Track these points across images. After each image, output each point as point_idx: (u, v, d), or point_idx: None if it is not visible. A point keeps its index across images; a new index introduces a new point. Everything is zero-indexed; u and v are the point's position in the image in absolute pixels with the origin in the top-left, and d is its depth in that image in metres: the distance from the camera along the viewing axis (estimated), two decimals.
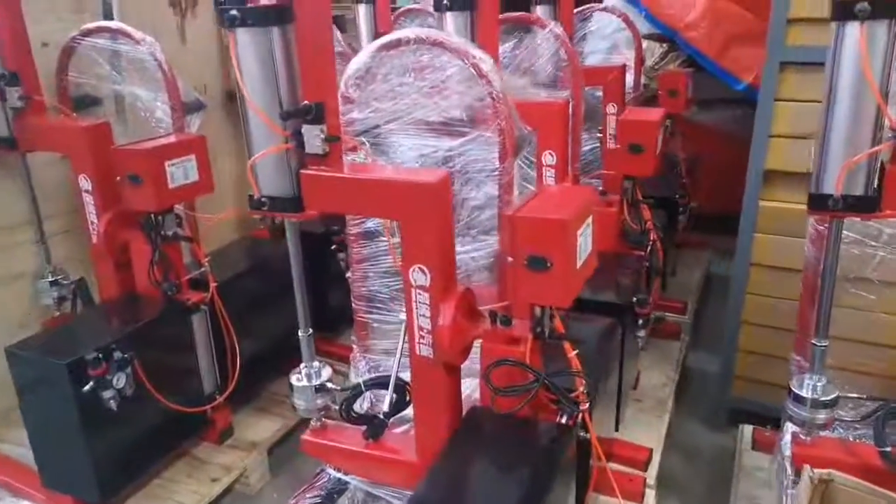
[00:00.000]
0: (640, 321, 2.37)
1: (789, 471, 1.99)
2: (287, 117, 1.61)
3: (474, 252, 2.09)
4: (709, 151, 4.67)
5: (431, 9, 5.00)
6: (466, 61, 1.83)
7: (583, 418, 1.67)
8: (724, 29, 4.29)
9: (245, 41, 1.59)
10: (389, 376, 1.92)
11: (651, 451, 2.45)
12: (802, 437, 1.95)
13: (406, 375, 1.88)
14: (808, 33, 2.30)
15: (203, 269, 2.43)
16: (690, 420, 2.98)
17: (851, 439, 2.04)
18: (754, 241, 2.58)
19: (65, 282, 2.76)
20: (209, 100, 3.11)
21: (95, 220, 2.42)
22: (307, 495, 2.14)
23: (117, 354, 2.03)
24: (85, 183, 2.37)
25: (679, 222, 3.41)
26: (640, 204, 2.68)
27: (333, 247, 3.08)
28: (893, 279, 2.11)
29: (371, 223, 2.18)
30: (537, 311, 1.61)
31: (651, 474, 2.39)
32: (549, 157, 2.56)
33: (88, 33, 2.60)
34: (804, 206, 2.39)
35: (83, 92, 2.80)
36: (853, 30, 1.56)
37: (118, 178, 2.20)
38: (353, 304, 2.33)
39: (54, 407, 2.03)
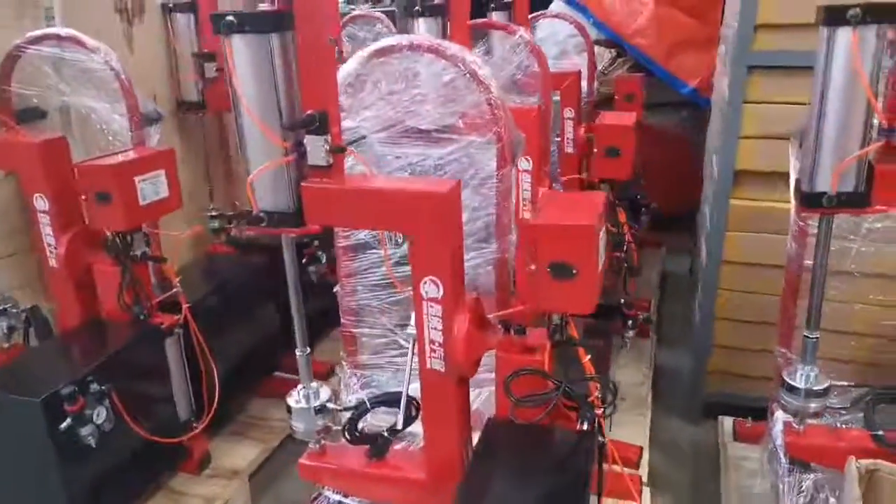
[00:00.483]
0: (630, 322, 2.40)
1: (783, 460, 2.05)
2: (292, 128, 1.53)
3: (471, 261, 2.06)
4: (658, 153, 4.79)
5: (376, 14, 4.97)
6: (463, 67, 1.80)
7: (599, 423, 1.67)
8: (669, 35, 4.43)
9: (242, 49, 1.50)
10: (394, 393, 1.86)
11: (641, 449, 2.47)
12: (795, 425, 2.01)
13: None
14: (775, 39, 2.39)
15: (175, 289, 2.29)
16: (667, 416, 3.03)
17: (838, 426, 2.11)
18: (725, 239, 2.66)
19: (14, 310, 2.54)
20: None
21: (53, 242, 2.24)
22: None
23: (94, 387, 1.88)
24: (41, 203, 2.19)
25: (643, 223, 3.49)
26: (616, 206, 2.72)
27: (304, 260, 2.97)
28: (870, 270, 2.20)
29: (362, 235, 2.12)
30: (555, 318, 1.59)
31: (643, 472, 2.41)
32: (524, 163, 2.56)
33: (35, 41, 2.42)
34: (775, 204, 2.53)
35: (27, 104, 2.60)
36: (844, 34, 1.61)
37: (83, 196, 2.05)
38: (341, 319, 2.25)
39: (25, 449, 1.86)
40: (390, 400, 1.85)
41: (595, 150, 2.51)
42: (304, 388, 1.88)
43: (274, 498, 2.62)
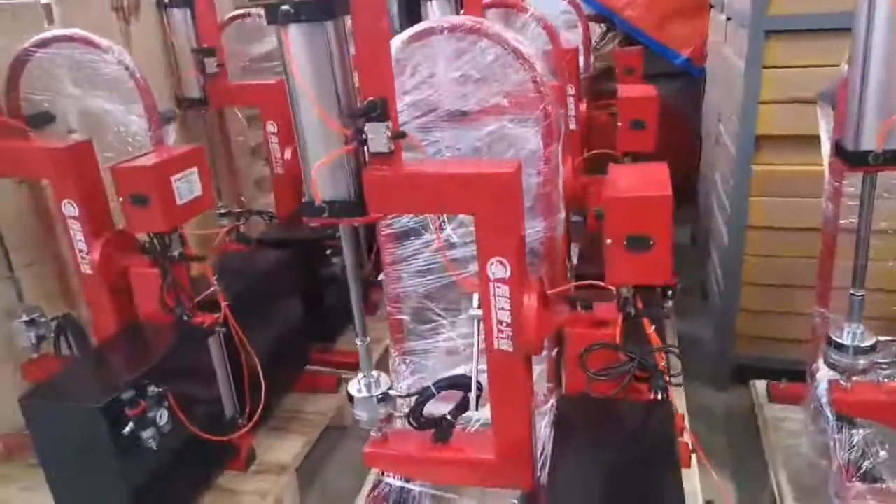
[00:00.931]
0: (670, 292, 2.42)
1: (831, 417, 2.10)
2: (356, 116, 1.51)
3: None
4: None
5: None
6: (507, 47, 1.79)
7: (667, 394, 1.69)
8: (659, 5, 4.46)
9: (298, 38, 1.47)
10: (457, 377, 1.86)
11: (684, 416, 2.51)
12: (843, 383, 2.06)
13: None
14: (791, 3, 2.41)
15: (213, 288, 2.25)
16: (694, 383, 3.08)
17: (881, 381, 2.16)
18: (750, 204, 2.70)
19: (42, 319, 2.50)
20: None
21: (84, 248, 2.19)
22: None
23: (152, 389, 1.86)
24: (70, 209, 2.14)
25: None
26: None
27: (328, 252, 2.95)
28: None
29: (405, 221, 2.10)
30: (624, 291, 1.61)
31: (687, 439, 2.45)
32: None
33: (44, 43, 2.35)
34: (798, 168, 2.57)
35: (37, 109, 2.53)
36: None
37: (119, 199, 2.00)
38: (387, 307, 2.25)
39: (86, 456, 1.83)
40: (454, 383, 1.85)
41: (620, 123, 2.51)
42: (364, 376, 1.87)
43: (320, 489, 2.62)
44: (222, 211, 3.47)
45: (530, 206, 2.02)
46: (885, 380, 2.15)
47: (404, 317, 2.24)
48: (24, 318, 2.46)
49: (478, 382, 1.86)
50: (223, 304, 2.26)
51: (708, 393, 3.02)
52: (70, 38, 2.31)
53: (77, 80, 2.48)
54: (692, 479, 2.14)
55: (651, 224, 1.41)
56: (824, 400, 2.13)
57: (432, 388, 1.85)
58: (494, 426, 1.82)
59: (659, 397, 1.63)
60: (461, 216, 2.09)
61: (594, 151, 2.71)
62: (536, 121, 1.84)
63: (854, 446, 2.03)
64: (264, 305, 2.63)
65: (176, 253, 2.17)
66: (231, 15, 3.51)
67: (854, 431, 2.05)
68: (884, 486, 1.97)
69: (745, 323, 2.89)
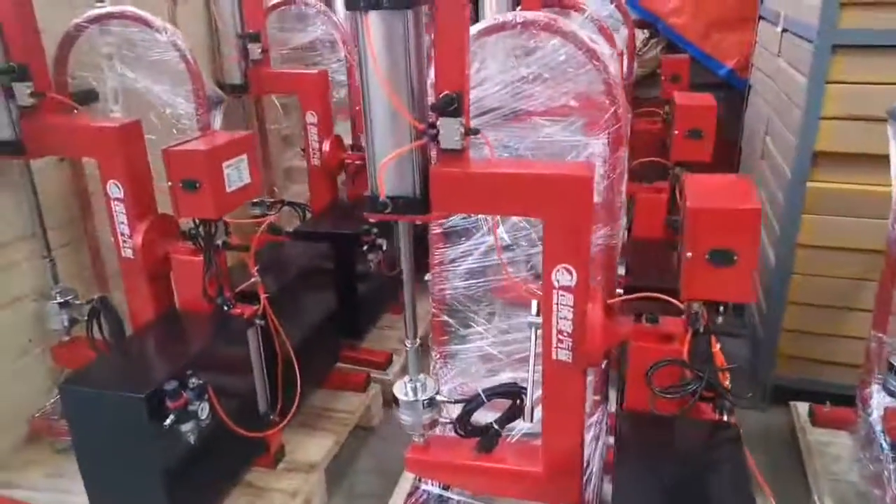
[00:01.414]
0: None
1: (886, 446, 2.02)
2: (436, 111, 1.45)
3: None
4: None
5: None
6: (581, 46, 1.73)
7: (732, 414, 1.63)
8: (706, 14, 4.38)
9: (377, 26, 1.42)
10: (506, 385, 1.81)
11: None
12: None
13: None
14: (863, 17, 2.34)
15: (254, 279, 2.20)
16: None
17: None
18: (802, 222, 2.63)
19: (76, 302, 2.45)
20: None
21: (127, 232, 2.14)
22: None
23: (193, 381, 1.80)
24: (115, 190, 2.09)
25: None
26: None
27: (364, 247, 2.89)
28: None
29: (455, 220, 2.05)
30: (695, 306, 1.54)
31: None
32: None
33: (96, 20, 2.31)
34: (856, 187, 2.50)
35: (83, 86, 2.49)
36: None
37: (168, 183, 1.95)
38: (431, 308, 2.19)
39: (123, 446, 1.78)
40: (503, 392, 1.79)
41: (675, 131, 2.45)
42: (412, 380, 1.81)
43: (347, 490, 2.56)
44: (255, 200, 3.42)
45: None
46: None
47: (449, 319, 2.18)
48: (59, 299, 2.41)
49: (526, 390, 1.81)
50: (262, 296, 2.21)
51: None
52: (123, 16, 2.26)
53: (126, 58, 2.44)
54: None
55: (737, 238, 1.35)
56: (879, 427, 2.06)
57: (482, 396, 1.79)
58: (545, 438, 1.76)
59: (724, 418, 1.57)
60: (514, 218, 2.04)
61: (642, 159, 2.65)
62: (605, 124, 1.77)
63: None
64: (299, 299, 2.57)
65: (220, 241, 2.12)
66: (274, 2, 3.46)
67: None
68: None
69: (786, 343, 2.81)
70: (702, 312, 1.55)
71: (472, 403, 1.79)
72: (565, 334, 1.61)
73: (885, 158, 2.08)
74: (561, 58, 1.77)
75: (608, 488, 1.84)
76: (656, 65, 4.35)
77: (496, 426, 1.84)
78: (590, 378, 2.06)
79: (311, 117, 3.20)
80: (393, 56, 1.44)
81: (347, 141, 3.40)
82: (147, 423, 1.72)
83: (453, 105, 1.45)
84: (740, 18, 4.26)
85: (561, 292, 1.57)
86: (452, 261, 2.09)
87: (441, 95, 1.46)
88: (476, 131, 1.51)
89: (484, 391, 1.79)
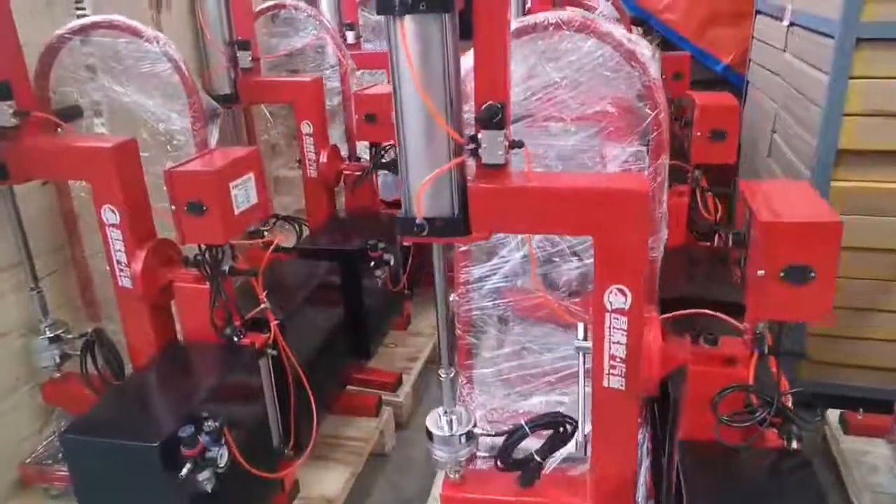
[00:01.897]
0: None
1: None
2: (479, 123, 1.32)
3: None
4: None
5: None
6: (619, 48, 1.61)
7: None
8: (700, 10, 4.30)
9: (414, 32, 1.28)
10: (552, 415, 1.68)
11: None
12: None
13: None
14: (887, 9, 2.26)
15: (263, 305, 2.05)
16: None
17: None
18: None
19: (68, 336, 2.27)
20: None
21: (124, 259, 1.97)
22: None
23: (209, 424, 1.64)
24: (111, 215, 1.92)
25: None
26: (708, 193, 2.57)
27: (372, 263, 2.75)
28: None
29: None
30: (761, 326, 1.43)
31: None
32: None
33: (81, 30, 2.13)
34: (884, 185, 2.42)
35: (66, 101, 2.31)
36: None
37: (172, 207, 1.79)
38: (456, 329, 2.06)
39: (135, 500, 1.62)
40: (549, 422, 1.66)
41: (698, 132, 2.34)
42: (447, 412, 1.68)
43: None
44: None
45: None
46: None
47: (475, 341, 2.05)
48: (48, 333, 2.23)
49: (573, 420, 1.69)
50: (273, 323, 2.06)
51: None
52: (112, 26, 2.09)
53: (113, 71, 2.27)
54: None
55: (816, 253, 1.24)
56: None
57: (526, 428, 1.66)
58: (594, 470, 1.64)
59: (792, 445, 1.46)
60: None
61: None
62: (645, 131, 1.66)
63: None
64: (307, 321, 2.42)
65: (226, 267, 1.96)
66: (262, 7, 3.30)
67: None
68: None
69: (812, 347, 2.73)
70: (766, 332, 1.44)
71: (514, 436, 1.66)
72: (618, 360, 1.50)
73: None
74: (596, 60, 1.65)
75: None
76: None
77: (538, 457, 1.72)
78: None
79: (306, 127, 3.04)
80: (430, 64, 1.31)
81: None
82: (161, 475, 1.56)
83: (498, 116, 1.32)
84: (736, 13, 4.19)
85: (614, 315, 1.46)
86: (479, 279, 1.96)
87: (484, 106, 1.33)
88: (520, 144, 1.39)
89: (527, 423, 1.66)
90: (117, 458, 1.58)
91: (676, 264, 2.44)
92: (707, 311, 1.59)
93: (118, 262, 1.99)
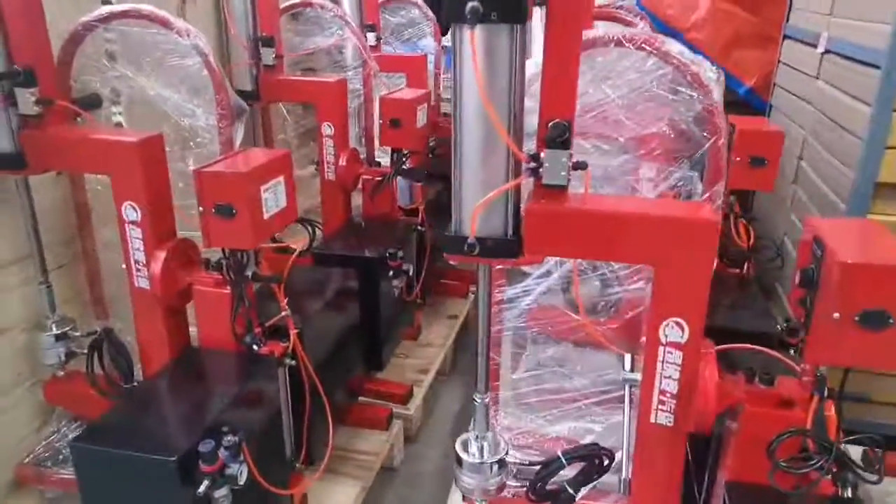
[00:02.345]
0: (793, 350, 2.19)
1: None
2: (545, 141, 1.25)
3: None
4: None
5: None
6: (683, 68, 1.54)
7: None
8: (726, 31, 4.26)
9: (485, 43, 1.21)
10: (590, 447, 1.60)
11: None
12: None
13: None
14: None
15: (284, 313, 1.96)
16: None
17: None
18: None
19: (75, 334, 2.18)
20: None
21: (143, 259, 1.89)
22: None
23: (229, 439, 1.56)
24: (132, 213, 1.84)
25: None
26: (741, 220, 2.51)
27: (391, 272, 2.67)
28: None
29: None
30: (823, 368, 1.36)
31: None
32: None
33: (107, 18, 2.04)
34: None
35: (86, 90, 2.22)
36: None
37: (200, 209, 1.71)
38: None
39: None
40: (587, 455, 1.59)
41: (737, 158, 2.28)
42: (478, 437, 1.60)
43: None
44: None
45: None
46: None
47: (503, 363, 1.97)
48: (55, 330, 2.14)
49: (610, 452, 1.61)
50: (293, 332, 1.98)
51: None
52: (140, 15, 2.00)
53: (136, 60, 2.18)
54: None
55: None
56: None
57: (563, 459, 1.58)
58: None
59: (848, 494, 1.39)
60: None
61: None
62: (702, 156, 1.59)
63: None
64: (324, 330, 2.34)
65: (249, 273, 1.88)
66: (286, 4, 3.21)
67: None
68: None
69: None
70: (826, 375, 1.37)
71: (549, 468, 1.58)
72: (668, 395, 1.43)
73: None
74: (656, 80, 1.58)
75: None
76: None
77: (570, 489, 1.64)
78: None
79: (327, 129, 2.96)
80: (496, 78, 1.23)
81: None
82: (178, 491, 1.47)
83: (565, 135, 1.25)
84: (762, 36, 4.15)
85: (669, 349, 1.39)
86: (510, 300, 1.89)
87: (550, 124, 1.26)
88: (584, 165, 1.31)
89: (564, 454, 1.58)
90: (131, 470, 1.49)
91: (712, 293, 2.38)
92: (757, 346, 1.52)
93: (136, 262, 1.90)
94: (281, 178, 1.83)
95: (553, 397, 1.98)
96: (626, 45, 1.53)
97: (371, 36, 3.90)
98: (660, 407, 1.44)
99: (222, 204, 1.68)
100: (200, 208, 1.70)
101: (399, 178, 3.09)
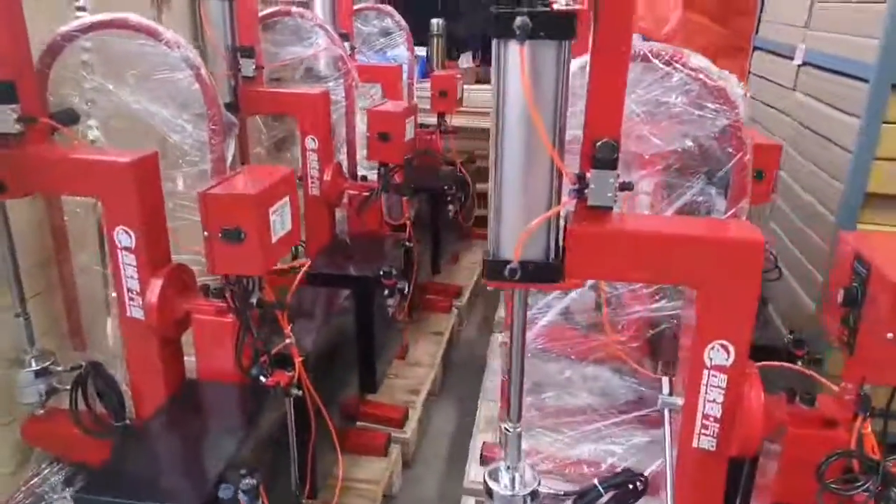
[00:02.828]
0: (800, 364, 2.20)
1: None
2: (593, 161, 1.20)
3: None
4: None
5: (386, 8, 4.59)
6: (710, 84, 1.52)
7: None
8: (698, 43, 4.29)
9: (534, 60, 1.15)
10: (626, 473, 1.56)
11: None
12: None
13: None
14: None
15: (289, 341, 1.86)
16: None
17: None
18: None
19: (56, 368, 2.02)
20: None
21: (136, 287, 1.76)
22: None
23: (248, 482, 1.45)
24: (125, 238, 1.71)
25: None
26: None
27: (385, 292, 2.59)
28: None
29: None
30: (867, 388, 1.35)
31: None
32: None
33: (89, 28, 1.91)
34: None
35: (63, 104, 2.07)
36: None
37: (206, 233, 1.60)
38: (502, 373, 1.92)
39: None
40: (622, 482, 1.54)
41: None
42: (510, 468, 1.53)
43: None
44: None
45: None
46: None
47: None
48: (34, 366, 1.97)
49: (644, 478, 1.57)
50: (298, 361, 1.87)
51: None
52: (126, 25, 1.88)
53: (119, 73, 2.05)
54: None
55: None
56: None
57: (599, 488, 1.54)
58: None
59: None
60: None
61: None
62: (726, 173, 1.57)
63: None
64: (322, 354, 2.23)
65: (253, 300, 1.77)
66: (264, 13, 3.10)
67: None
68: None
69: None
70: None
71: (587, 497, 1.53)
72: (711, 419, 1.39)
73: None
74: (682, 96, 1.56)
75: None
76: None
77: None
78: None
79: (311, 142, 2.86)
80: (542, 95, 1.18)
81: None
82: None
83: (614, 155, 1.20)
84: (734, 48, 4.21)
85: (713, 372, 1.35)
86: (531, 321, 1.83)
87: (599, 143, 1.21)
88: (630, 186, 1.27)
89: (601, 482, 1.53)
90: None
91: None
92: (793, 365, 1.50)
93: (129, 290, 1.77)
94: (286, 199, 1.73)
95: (570, 419, 1.93)
96: (653, 59, 1.49)
97: (346, 45, 3.81)
98: (702, 431, 1.40)
99: (230, 228, 1.57)
100: (205, 233, 1.59)
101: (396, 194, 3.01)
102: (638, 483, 1.55)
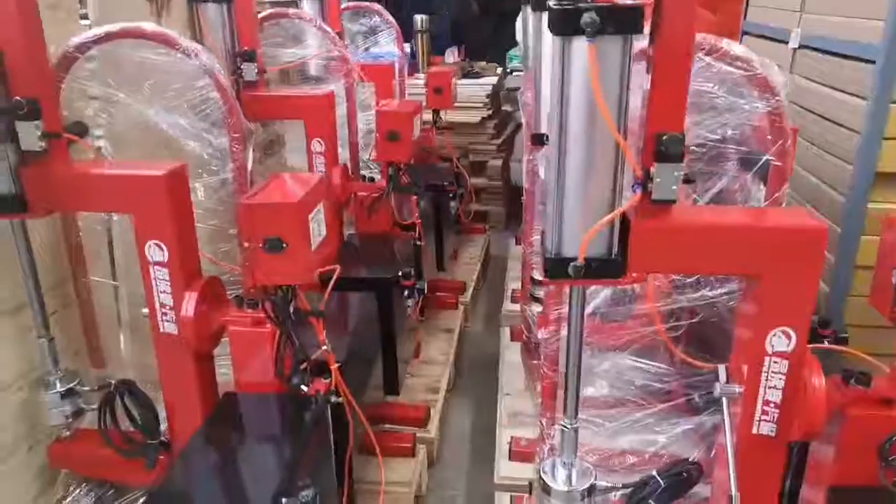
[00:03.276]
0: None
1: None
2: (658, 155, 1.19)
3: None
4: None
5: (374, 6, 4.55)
6: (752, 72, 1.53)
7: None
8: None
9: (602, 57, 1.14)
10: (685, 463, 1.57)
11: None
12: None
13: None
14: None
15: (325, 347, 1.83)
16: None
17: None
18: (861, 243, 2.57)
19: (83, 388, 1.97)
20: None
21: (169, 302, 1.72)
22: None
23: (306, 494, 1.43)
24: (157, 253, 1.66)
25: None
26: None
27: (405, 293, 2.57)
28: None
29: None
30: None
31: None
32: None
33: (104, 38, 1.85)
34: None
35: (75, 117, 2.02)
36: None
37: (246, 243, 1.56)
38: (543, 369, 1.91)
39: None
40: (679, 472, 1.55)
41: None
42: (566, 463, 1.53)
43: None
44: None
45: None
46: None
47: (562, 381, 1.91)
48: (60, 387, 1.92)
49: (699, 465, 1.58)
50: (334, 367, 1.85)
51: None
52: (142, 34, 1.82)
53: (132, 83, 2.00)
54: None
55: None
56: None
57: (658, 479, 1.54)
58: None
59: None
60: None
61: None
62: (765, 163, 1.58)
63: None
64: (353, 359, 2.21)
65: (291, 308, 1.74)
66: (263, 15, 3.04)
67: None
68: None
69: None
70: None
71: (645, 490, 1.54)
72: (772, 405, 1.40)
73: None
74: (724, 84, 1.56)
75: None
76: None
77: None
78: None
79: (317, 145, 2.82)
80: (612, 93, 1.17)
81: None
82: None
83: (681, 148, 1.20)
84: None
85: (775, 359, 1.36)
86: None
87: (665, 137, 1.20)
88: (692, 179, 1.27)
89: (659, 473, 1.54)
90: None
91: None
92: (844, 347, 1.53)
93: (161, 305, 1.73)
94: (321, 206, 1.71)
95: (608, 411, 1.93)
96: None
97: None
98: (763, 417, 1.41)
99: (272, 237, 1.54)
100: (247, 243, 1.55)
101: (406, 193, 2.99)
102: (693, 471, 1.56)
